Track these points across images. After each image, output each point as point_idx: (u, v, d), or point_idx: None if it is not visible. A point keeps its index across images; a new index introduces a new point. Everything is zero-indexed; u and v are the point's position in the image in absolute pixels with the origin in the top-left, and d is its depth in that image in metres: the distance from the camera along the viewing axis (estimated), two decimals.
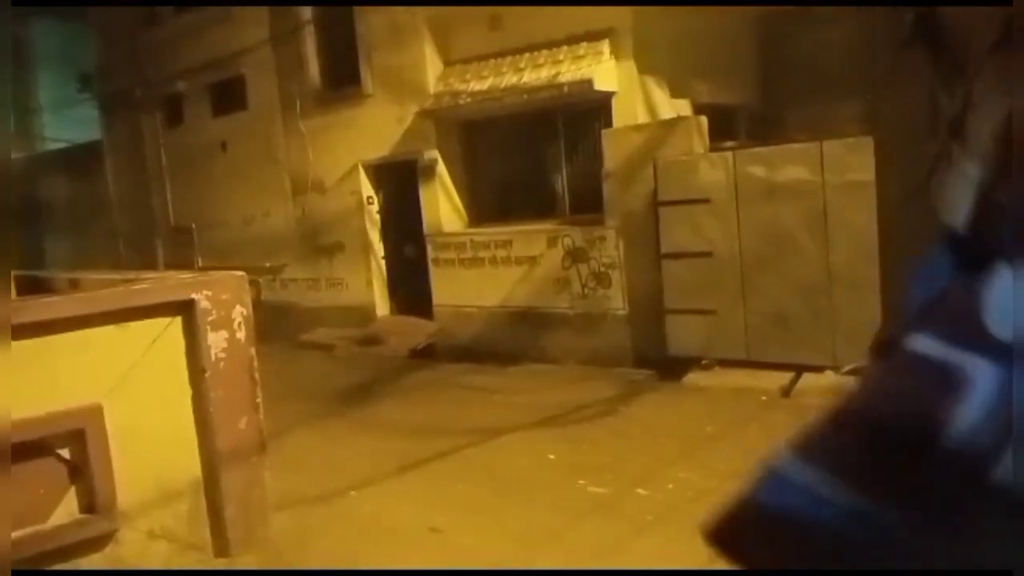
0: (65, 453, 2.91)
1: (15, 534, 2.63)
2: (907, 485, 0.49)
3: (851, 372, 6.33)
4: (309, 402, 7.58)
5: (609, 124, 8.78)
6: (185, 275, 3.78)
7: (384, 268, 11.30)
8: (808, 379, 6.76)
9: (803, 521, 0.52)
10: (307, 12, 11.23)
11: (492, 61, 9.57)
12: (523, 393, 7.70)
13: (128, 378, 3.00)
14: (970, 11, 0.59)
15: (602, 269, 8.66)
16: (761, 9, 9.63)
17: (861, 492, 0.50)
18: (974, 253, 0.54)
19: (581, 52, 8.82)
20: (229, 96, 12.65)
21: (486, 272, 9.69)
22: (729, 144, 8.23)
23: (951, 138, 0.61)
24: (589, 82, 8.59)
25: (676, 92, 9.13)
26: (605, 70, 8.66)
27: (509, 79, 9.27)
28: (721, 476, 4.61)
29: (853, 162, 6.75)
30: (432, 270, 10.29)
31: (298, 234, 12.01)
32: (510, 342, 9.32)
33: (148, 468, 3.10)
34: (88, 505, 2.95)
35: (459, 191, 10.39)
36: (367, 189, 11.21)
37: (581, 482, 5.17)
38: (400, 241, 11.05)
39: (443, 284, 10.20)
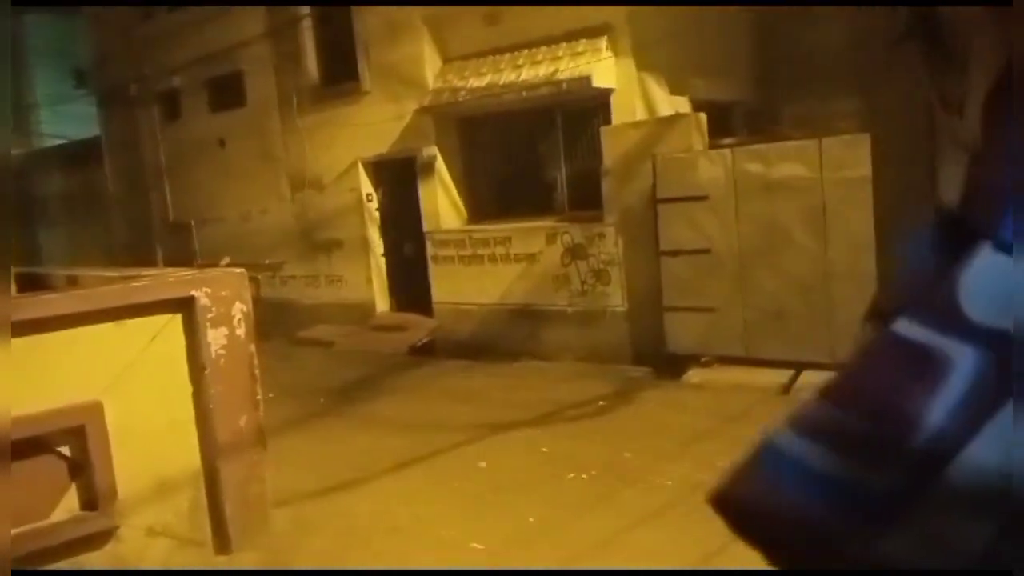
0: (65, 450, 2.91)
1: (16, 531, 2.63)
2: (888, 464, 0.49)
3: None
4: (308, 398, 7.59)
5: (608, 121, 8.77)
6: (184, 272, 3.78)
7: (383, 265, 11.30)
8: (808, 376, 6.77)
9: (797, 493, 0.53)
10: (305, 8, 11.21)
11: (491, 58, 9.56)
12: (522, 390, 7.70)
13: (128, 375, 3.01)
14: (966, 8, 0.59)
15: (601, 266, 8.66)
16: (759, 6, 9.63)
17: (851, 465, 0.51)
18: (962, 232, 0.54)
19: (580, 49, 8.81)
20: (227, 92, 12.63)
21: (485, 269, 9.69)
22: (728, 141, 8.23)
23: (948, 116, 0.60)
24: (588, 79, 8.58)
25: (675, 89, 9.13)
26: (604, 67, 8.65)
27: (508, 76, 9.26)
28: (719, 472, 4.61)
29: (850, 159, 6.75)
30: (431, 267, 10.29)
31: (297, 231, 12.01)
32: (509, 339, 9.32)
33: (148, 465, 3.10)
34: (88, 502, 2.95)
35: (458, 188, 10.39)
36: (366, 186, 11.20)
37: (582, 477, 5.19)
38: (399, 238, 11.05)
39: (442, 281, 10.20)
